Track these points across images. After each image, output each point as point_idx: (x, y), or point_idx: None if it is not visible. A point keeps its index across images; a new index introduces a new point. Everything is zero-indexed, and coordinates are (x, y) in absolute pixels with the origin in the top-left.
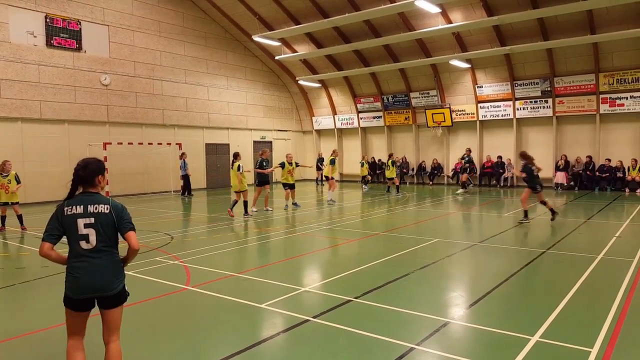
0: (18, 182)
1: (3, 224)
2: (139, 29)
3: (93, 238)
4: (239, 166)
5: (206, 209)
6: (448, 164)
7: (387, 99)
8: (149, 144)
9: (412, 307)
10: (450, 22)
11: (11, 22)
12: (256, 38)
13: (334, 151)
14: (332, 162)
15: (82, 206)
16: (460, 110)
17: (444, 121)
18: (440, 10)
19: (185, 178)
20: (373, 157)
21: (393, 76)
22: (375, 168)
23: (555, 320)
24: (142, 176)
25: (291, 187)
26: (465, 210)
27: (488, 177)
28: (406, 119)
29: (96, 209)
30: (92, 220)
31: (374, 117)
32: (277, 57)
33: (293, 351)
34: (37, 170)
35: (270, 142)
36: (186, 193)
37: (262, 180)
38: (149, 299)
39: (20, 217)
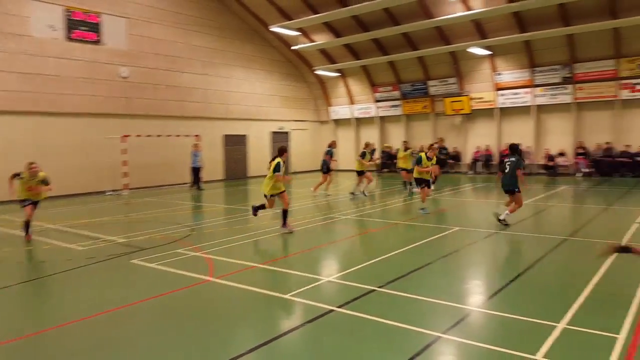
0: (47, 184)
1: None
2: (157, 21)
3: None
4: (277, 165)
5: (224, 200)
6: (466, 152)
7: (406, 87)
8: (168, 136)
9: (435, 295)
10: (470, 9)
11: (32, 16)
12: (273, 28)
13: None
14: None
15: None
16: (478, 98)
17: (463, 109)
18: None
19: (196, 171)
20: (390, 146)
21: (411, 64)
22: (392, 158)
23: (581, 307)
24: (161, 168)
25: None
26: (485, 199)
27: None
28: (424, 107)
29: None
30: None
31: (392, 106)
32: (293, 47)
33: (319, 341)
34: (56, 164)
35: (287, 133)
36: (195, 186)
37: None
38: (173, 291)
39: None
